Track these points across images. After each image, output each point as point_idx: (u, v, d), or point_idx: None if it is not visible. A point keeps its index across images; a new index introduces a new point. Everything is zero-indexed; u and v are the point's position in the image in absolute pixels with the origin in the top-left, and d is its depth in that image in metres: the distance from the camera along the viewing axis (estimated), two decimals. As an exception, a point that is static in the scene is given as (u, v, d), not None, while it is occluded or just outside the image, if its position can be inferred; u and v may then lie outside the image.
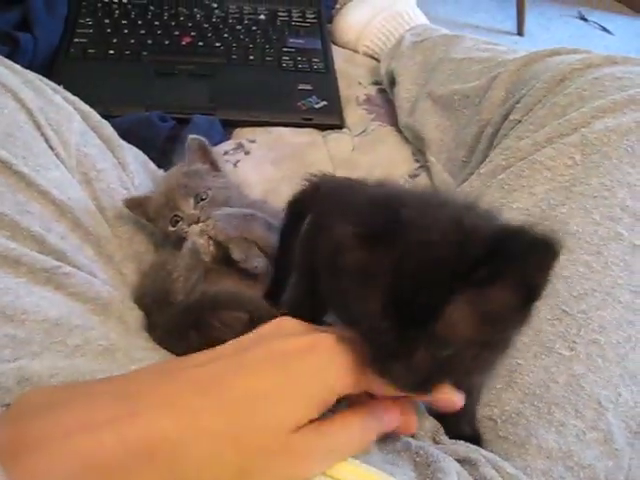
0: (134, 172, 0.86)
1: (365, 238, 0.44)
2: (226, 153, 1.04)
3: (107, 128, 0.87)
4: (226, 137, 1.08)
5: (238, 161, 1.03)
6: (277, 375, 0.43)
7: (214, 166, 0.80)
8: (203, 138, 0.81)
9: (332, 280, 0.50)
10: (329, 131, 1.10)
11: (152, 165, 0.93)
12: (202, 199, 0.75)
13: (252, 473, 0.40)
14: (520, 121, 0.81)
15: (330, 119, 1.11)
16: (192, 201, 0.75)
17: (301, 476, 0.42)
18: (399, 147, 1.06)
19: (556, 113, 0.75)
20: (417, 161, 1.03)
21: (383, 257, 0.43)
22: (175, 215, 0.76)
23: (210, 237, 0.72)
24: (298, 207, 0.68)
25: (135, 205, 0.79)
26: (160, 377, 0.43)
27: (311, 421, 0.43)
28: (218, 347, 0.47)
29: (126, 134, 0.92)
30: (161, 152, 1.01)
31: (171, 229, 0.76)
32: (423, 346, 0.42)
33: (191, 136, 0.81)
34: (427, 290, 0.41)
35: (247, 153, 1.05)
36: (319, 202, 0.63)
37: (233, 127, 1.11)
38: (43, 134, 0.77)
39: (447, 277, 0.41)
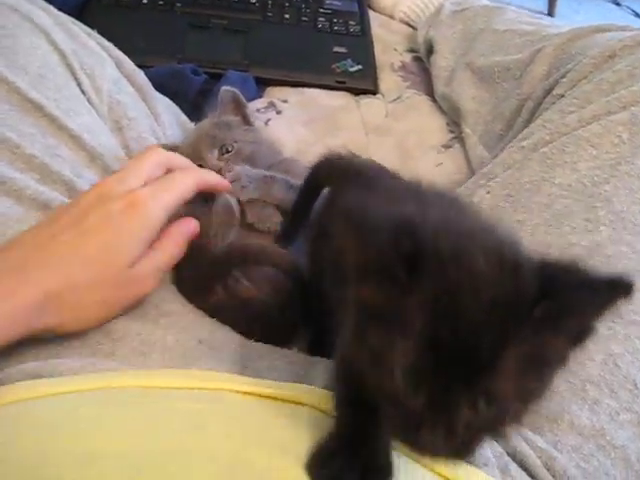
0: (166, 123, 0.85)
1: (386, 270, 0.35)
2: (257, 111, 1.02)
3: (140, 77, 0.86)
4: (258, 95, 1.07)
5: (269, 120, 1.01)
6: (111, 232, 0.57)
7: (245, 119, 0.78)
8: (236, 90, 0.79)
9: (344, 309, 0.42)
10: (362, 96, 1.08)
11: (184, 117, 0.92)
12: (227, 151, 0.74)
13: (113, 303, 0.58)
14: (563, 96, 0.79)
15: (364, 84, 1.09)
16: (217, 152, 0.74)
17: (145, 292, 0.60)
18: (433, 116, 1.04)
19: (603, 90, 0.74)
20: (451, 132, 1.02)
21: (410, 294, 0.35)
22: (200, 165, 0.75)
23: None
24: (314, 179, 0.67)
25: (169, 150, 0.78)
26: (34, 249, 0.55)
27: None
28: (65, 215, 0.58)
29: (158, 85, 0.91)
30: (193, 105, 0.99)
31: None
32: (465, 404, 0.35)
33: (224, 87, 0.79)
34: (477, 335, 0.34)
35: (279, 112, 1.03)
36: (335, 182, 0.61)
37: (265, 85, 1.09)
38: (76, 78, 0.75)
39: (501, 319, 0.34)
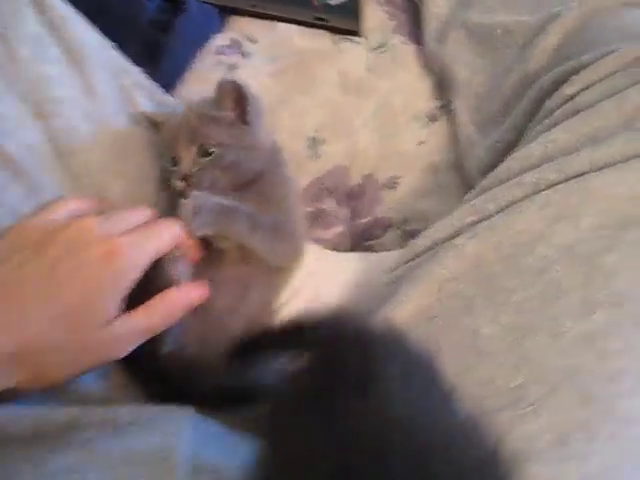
0: (104, 95, 0.68)
1: None
2: (220, 53, 0.88)
3: (70, 26, 0.68)
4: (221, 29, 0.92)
5: (234, 67, 0.87)
6: (85, 286, 0.51)
7: (243, 118, 0.65)
8: (242, 82, 0.65)
9: None
10: (341, 37, 0.93)
11: (128, 79, 0.72)
12: (208, 153, 0.63)
13: (79, 364, 0.53)
14: (573, 98, 0.66)
15: (346, 22, 0.94)
16: (194, 150, 0.63)
17: (118, 354, 0.54)
18: (422, 75, 0.91)
19: (626, 113, 0.59)
20: (438, 98, 0.89)
21: None
22: (173, 159, 0.64)
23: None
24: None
25: (150, 123, 0.70)
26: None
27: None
28: (32, 262, 0.52)
29: (98, 9, 0.74)
30: (145, 42, 0.85)
31: (171, 168, 0.65)
32: None
33: (226, 78, 0.65)
34: None
35: (245, 56, 0.89)
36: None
37: (228, 14, 0.93)
38: None
39: None
